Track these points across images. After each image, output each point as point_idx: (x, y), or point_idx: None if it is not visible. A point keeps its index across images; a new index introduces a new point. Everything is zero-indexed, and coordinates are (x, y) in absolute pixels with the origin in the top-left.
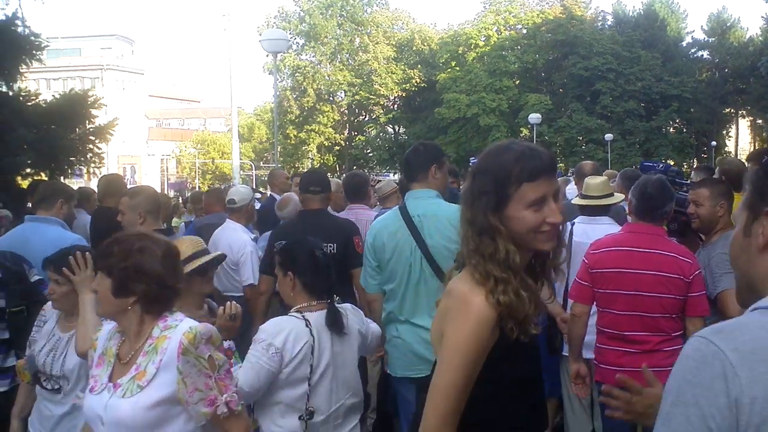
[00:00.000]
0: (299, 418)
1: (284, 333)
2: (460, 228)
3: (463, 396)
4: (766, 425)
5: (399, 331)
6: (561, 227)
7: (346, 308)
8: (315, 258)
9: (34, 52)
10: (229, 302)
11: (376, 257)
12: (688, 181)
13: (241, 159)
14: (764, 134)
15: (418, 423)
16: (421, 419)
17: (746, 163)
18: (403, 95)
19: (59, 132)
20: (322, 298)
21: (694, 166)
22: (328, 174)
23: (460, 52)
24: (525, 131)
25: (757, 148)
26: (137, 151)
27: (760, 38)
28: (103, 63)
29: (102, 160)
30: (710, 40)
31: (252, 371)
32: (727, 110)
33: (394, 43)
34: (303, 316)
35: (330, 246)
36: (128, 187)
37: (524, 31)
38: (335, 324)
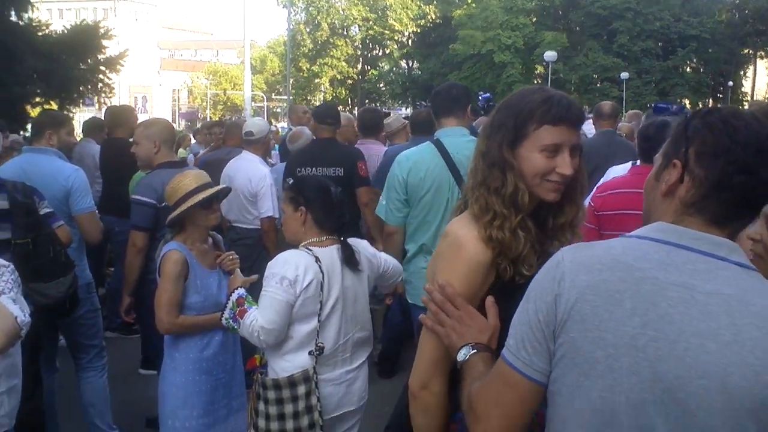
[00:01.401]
0: (309, 353)
1: (293, 265)
2: (471, 160)
3: None
4: (570, 321)
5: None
6: (578, 190)
7: (357, 243)
8: (329, 194)
9: None
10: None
11: (407, 191)
12: None
13: (252, 91)
14: None
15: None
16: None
17: None
18: (418, 31)
19: (70, 62)
20: (332, 234)
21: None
22: (340, 107)
23: None
24: (540, 69)
25: None
26: (149, 81)
27: None
28: None
29: (112, 90)
30: None
31: (270, 308)
32: (746, 51)
33: None
34: (312, 252)
35: (338, 170)
36: (138, 116)
37: None
38: (350, 260)
